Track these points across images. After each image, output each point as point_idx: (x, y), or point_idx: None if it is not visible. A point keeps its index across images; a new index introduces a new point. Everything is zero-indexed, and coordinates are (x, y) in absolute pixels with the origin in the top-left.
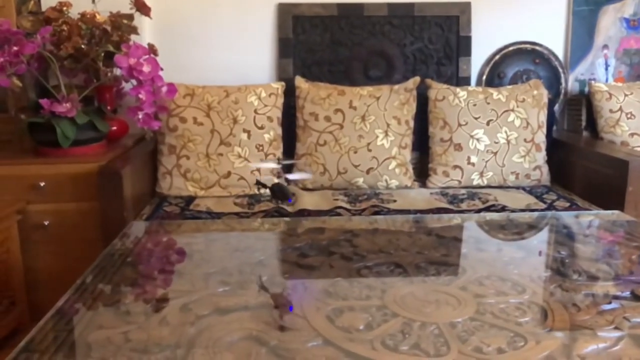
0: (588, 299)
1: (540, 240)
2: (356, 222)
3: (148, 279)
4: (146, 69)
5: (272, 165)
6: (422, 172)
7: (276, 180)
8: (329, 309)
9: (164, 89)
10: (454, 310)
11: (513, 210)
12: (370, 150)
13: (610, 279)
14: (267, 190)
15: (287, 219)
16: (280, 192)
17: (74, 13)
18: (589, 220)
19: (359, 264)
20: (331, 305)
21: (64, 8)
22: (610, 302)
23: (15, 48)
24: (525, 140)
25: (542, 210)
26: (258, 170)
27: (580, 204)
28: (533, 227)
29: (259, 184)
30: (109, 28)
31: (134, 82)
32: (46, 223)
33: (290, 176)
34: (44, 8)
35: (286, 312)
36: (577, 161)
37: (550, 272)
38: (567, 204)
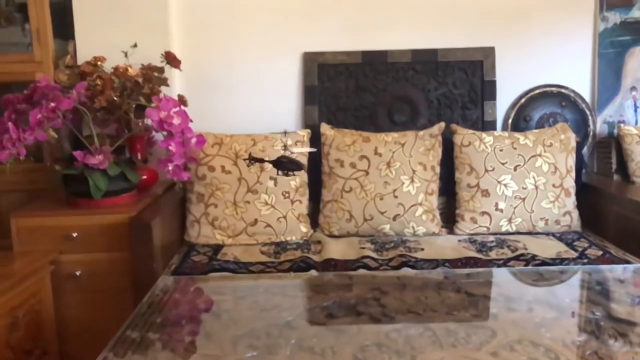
0: None
1: (572, 298)
2: (384, 278)
3: (177, 342)
4: (176, 121)
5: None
6: (449, 217)
7: (282, 153)
8: None
9: (194, 140)
10: None
11: (543, 261)
12: (396, 197)
13: None
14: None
15: (314, 272)
16: (290, 163)
17: (107, 66)
18: (623, 274)
19: (388, 326)
20: None
21: (99, 62)
22: None
23: (52, 104)
24: (553, 185)
25: (573, 259)
26: (285, 146)
27: (613, 252)
28: (565, 283)
29: (252, 159)
30: (140, 80)
31: (164, 132)
32: (78, 273)
33: (296, 149)
34: (79, 62)
35: None
36: (609, 207)
37: (585, 336)
38: (600, 252)
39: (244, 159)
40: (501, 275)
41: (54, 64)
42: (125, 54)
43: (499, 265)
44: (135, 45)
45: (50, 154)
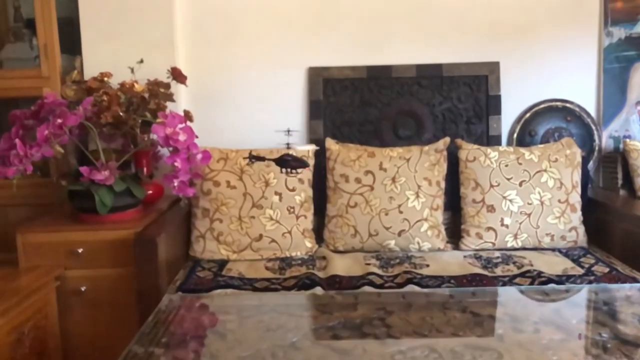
0: None
1: (579, 319)
2: (389, 297)
3: None
4: (182, 137)
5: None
6: (454, 232)
7: (287, 151)
8: None
9: (199, 156)
10: None
11: (549, 278)
12: (401, 212)
13: None
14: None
15: (319, 290)
16: (295, 161)
17: (114, 82)
18: (630, 293)
19: (393, 348)
20: None
21: (105, 78)
22: None
23: (59, 120)
24: (559, 201)
25: (579, 276)
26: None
27: (620, 269)
28: (571, 303)
29: (252, 157)
30: (146, 96)
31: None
32: (83, 289)
33: (299, 147)
34: (86, 77)
35: None
36: (615, 222)
37: None
38: (606, 269)
39: (244, 157)
40: (507, 294)
41: (61, 79)
42: (132, 70)
43: (504, 282)
44: (141, 61)
45: (57, 169)
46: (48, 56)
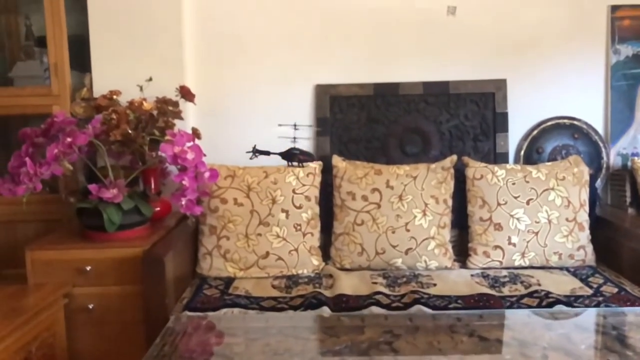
0: None
1: (588, 344)
2: (396, 320)
3: None
4: (190, 156)
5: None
6: (462, 249)
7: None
8: None
9: (207, 174)
10: None
11: (557, 299)
12: (408, 230)
13: None
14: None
15: (326, 310)
16: (302, 154)
17: (123, 99)
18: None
19: None
20: None
21: (114, 96)
22: None
23: (68, 139)
24: (567, 219)
25: (588, 296)
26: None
27: (629, 289)
28: (580, 327)
29: (256, 151)
30: (155, 113)
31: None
32: (90, 306)
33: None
34: (96, 94)
35: None
36: (624, 241)
37: None
38: (615, 290)
39: (247, 152)
40: (515, 318)
41: (71, 97)
42: (141, 88)
43: (512, 302)
44: (150, 79)
45: (66, 186)
46: (58, 75)
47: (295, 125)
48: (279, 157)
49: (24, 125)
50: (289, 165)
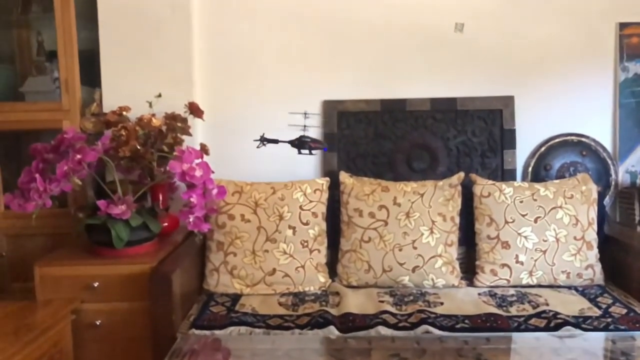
0: None
1: None
2: (403, 342)
3: None
4: (198, 173)
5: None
6: (469, 267)
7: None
8: None
9: (215, 191)
10: None
11: (566, 320)
12: (415, 248)
13: None
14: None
15: (332, 330)
16: (313, 142)
17: (132, 114)
18: None
19: None
20: None
21: (124, 112)
22: None
23: (78, 156)
24: (575, 238)
25: (596, 317)
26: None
27: (638, 310)
28: (588, 352)
29: (264, 140)
30: (164, 129)
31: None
32: (98, 322)
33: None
34: (105, 109)
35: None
36: (633, 261)
37: None
38: (624, 310)
39: (255, 140)
40: (522, 342)
41: (81, 112)
42: (150, 104)
43: (519, 323)
44: (159, 96)
45: (74, 201)
46: (69, 90)
47: (305, 113)
48: (288, 146)
49: (35, 139)
50: (299, 153)
